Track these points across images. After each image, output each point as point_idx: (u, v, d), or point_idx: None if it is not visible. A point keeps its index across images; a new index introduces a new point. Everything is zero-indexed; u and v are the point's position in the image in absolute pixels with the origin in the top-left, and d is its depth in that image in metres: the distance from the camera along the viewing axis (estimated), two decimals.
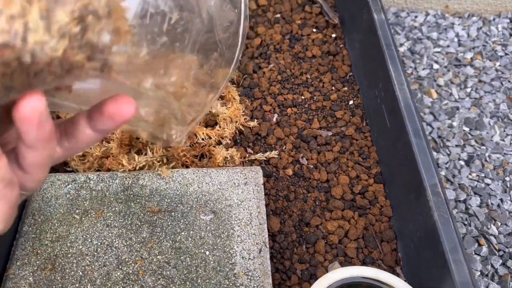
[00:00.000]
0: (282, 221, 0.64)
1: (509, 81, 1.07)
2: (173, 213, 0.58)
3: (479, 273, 0.78)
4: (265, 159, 0.71)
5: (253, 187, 0.61)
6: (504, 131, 0.97)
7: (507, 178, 0.89)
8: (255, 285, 0.52)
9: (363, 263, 0.61)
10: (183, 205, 0.59)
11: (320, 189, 0.69)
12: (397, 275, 0.60)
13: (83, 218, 0.58)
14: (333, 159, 0.72)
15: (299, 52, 0.87)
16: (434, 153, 0.92)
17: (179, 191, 0.60)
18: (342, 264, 0.61)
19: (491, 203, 0.86)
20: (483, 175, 0.90)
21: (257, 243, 0.56)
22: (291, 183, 0.69)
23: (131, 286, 0.52)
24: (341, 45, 0.88)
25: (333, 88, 0.82)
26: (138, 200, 0.59)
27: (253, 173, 0.62)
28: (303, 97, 0.80)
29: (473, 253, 0.81)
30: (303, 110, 0.79)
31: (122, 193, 0.60)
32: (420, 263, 0.57)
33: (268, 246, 0.56)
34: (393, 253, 0.62)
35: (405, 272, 0.60)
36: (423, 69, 1.09)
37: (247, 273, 0.53)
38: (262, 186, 0.62)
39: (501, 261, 0.79)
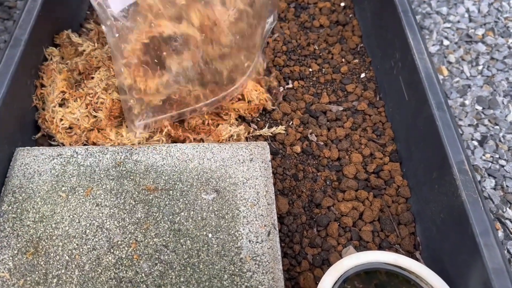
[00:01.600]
0: (290, 202, 0.59)
1: None
2: (171, 192, 0.52)
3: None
4: (271, 134, 0.65)
5: (259, 164, 0.55)
6: None
7: None
8: (263, 271, 0.47)
9: (380, 248, 0.56)
10: (182, 183, 0.53)
11: (331, 167, 0.63)
12: (417, 260, 0.55)
13: (69, 196, 0.52)
14: (345, 136, 0.66)
15: (306, 21, 0.81)
16: None
17: (178, 167, 0.54)
18: (357, 249, 0.55)
19: (506, 186, 0.82)
20: (497, 156, 0.85)
21: (265, 225, 0.50)
22: (299, 161, 0.63)
23: (124, 272, 0.46)
24: (351, 15, 0.82)
25: (343, 60, 0.76)
26: (131, 177, 0.53)
27: (260, 149, 0.56)
28: (310, 70, 0.74)
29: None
30: (311, 83, 0.73)
31: (113, 169, 0.54)
32: (443, 247, 0.52)
33: (277, 228, 0.50)
34: (411, 237, 0.57)
35: (425, 258, 0.55)
36: (433, 45, 1.03)
37: (254, 258, 0.47)
38: (270, 163, 0.56)
39: None
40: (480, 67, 1.00)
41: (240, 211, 0.51)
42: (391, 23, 0.69)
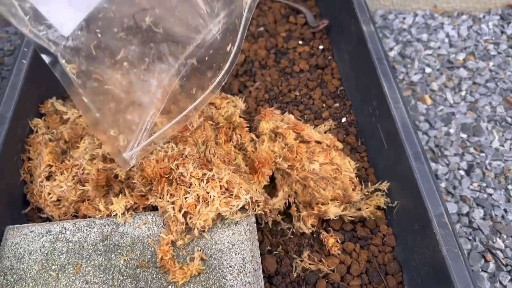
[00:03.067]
0: (278, 261, 0.60)
1: (504, 82, 1.03)
2: (158, 264, 0.53)
3: None
4: None
5: (244, 227, 0.56)
6: (503, 135, 0.93)
7: (510, 187, 0.86)
8: None
9: None
10: None
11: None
12: None
13: (60, 275, 0.53)
14: None
15: (286, 67, 0.82)
16: (433, 164, 0.88)
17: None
18: None
19: (495, 215, 0.82)
20: (484, 184, 0.86)
21: None
22: (285, 215, 0.64)
23: None
24: (330, 57, 0.83)
25: (324, 104, 0.77)
26: (119, 251, 0.54)
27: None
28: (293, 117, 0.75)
29: (480, 270, 0.77)
30: None
31: (101, 244, 0.55)
32: None
33: None
34: (399, 287, 0.58)
35: None
36: (415, 73, 1.05)
37: None
38: (255, 225, 0.57)
39: (509, 277, 0.75)
40: (463, 93, 1.02)
41: (227, 279, 0.52)
42: (367, 69, 0.70)
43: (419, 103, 0.99)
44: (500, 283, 0.76)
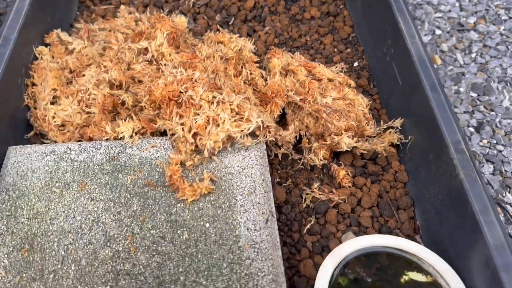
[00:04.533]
0: (287, 192, 0.58)
1: None
2: (166, 183, 0.51)
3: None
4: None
5: (255, 153, 0.54)
6: None
7: None
8: (263, 258, 0.46)
9: (379, 233, 0.55)
10: None
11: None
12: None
13: (64, 192, 0.51)
14: None
15: (296, 14, 0.80)
16: None
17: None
18: (357, 235, 0.55)
19: (505, 170, 0.81)
20: (494, 141, 0.85)
21: (263, 213, 0.49)
22: (296, 151, 0.62)
23: (121, 264, 0.46)
24: (341, 6, 0.82)
25: (335, 49, 0.76)
26: (126, 171, 0.53)
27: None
28: None
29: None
30: None
31: (107, 164, 0.53)
32: (443, 229, 0.52)
33: (275, 215, 0.50)
34: (411, 221, 0.57)
35: (426, 241, 0.55)
36: (425, 35, 1.03)
37: (253, 245, 0.47)
38: (265, 152, 0.55)
39: None
40: (473, 55, 1.00)
41: (237, 200, 0.50)
42: (381, 11, 0.68)
43: None
44: (510, 236, 0.75)
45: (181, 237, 0.47)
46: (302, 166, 0.60)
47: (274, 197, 0.56)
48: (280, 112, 0.60)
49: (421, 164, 0.57)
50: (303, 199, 0.57)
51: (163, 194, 0.51)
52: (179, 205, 0.50)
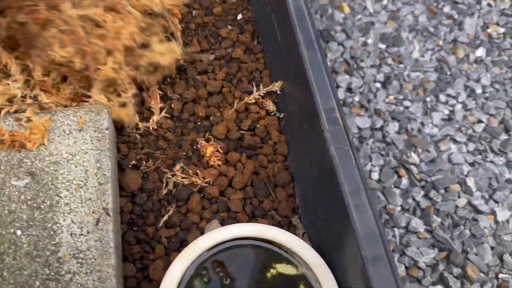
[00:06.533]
0: (145, 176, 0.49)
1: None
2: None
3: (399, 208, 0.68)
4: None
5: (91, 134, 0.44)
6: (424, 45, 0.85)
7: (428, 99, 0.79)
8: (87, 271, 0.37)
9: (252, 217, 0.48)
10: None
11: (199, 129, 0.53)
12: (294, 226, 0.47)
13: None
14: (217, 90, 0.56)
15: None
16: (347, 76, 0.79)
17: None
18: (225, 222, 0.47)
19: (411, 128, 0.76)
20: (401, 97, 0.79)
21: (93, 212, 0.40)
22: (160, 127, 0.52)
23: None
24: None
25: None
26: None
27: (93, 115, 0.45)
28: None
29: (392, 186, 0.71)
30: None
31: None
32: (317, 211, 0.45)
33: (111, 213, 0.40)
34: (289, 200, 0.49)
35: (304, 222, 0.48)
36: None
37: (76, 255, 0.37)
38: (107, 131, 0.45)
39: (422, 192, 0.70)
40: (384, 2, 0.92)
41: (61, 197, 0.40)
42: None
43: (336, 11, 0.89)
44: (413, 198, 0.70)
45: None
46: (167, 145, 0.51)
47: (124, 185, 0.46)
48: None
49: (298, 133, 0.49)
50: (164, 184, 0.48)
51: None
52: None
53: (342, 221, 0.39)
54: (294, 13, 0.49)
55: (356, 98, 0.77)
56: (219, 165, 0.49)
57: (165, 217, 0.46)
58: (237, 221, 0.47)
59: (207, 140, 0.51)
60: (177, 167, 0.48)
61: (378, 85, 0.80)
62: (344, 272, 0.40)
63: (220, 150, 0.50)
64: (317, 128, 0.43)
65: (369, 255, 0.36)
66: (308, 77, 0.45)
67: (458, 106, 0.79)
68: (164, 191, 0.48)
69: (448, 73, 0.83)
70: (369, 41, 0.85)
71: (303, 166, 0.48)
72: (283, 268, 0.42)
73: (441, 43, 0.87)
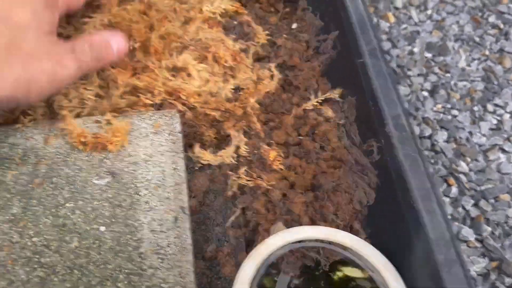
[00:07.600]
0: (212, 178, 0.50)
1: (472, 0, 0.95)
2: (54, 179, 0.43)
3: (449, 217, 0.68)
4: None
5: (166, 136, 0.46)
6: (470, 55, 0.86)
7: (475, 108, 0.79)
8: (169, 266, 0.39)
9: (313, 221, 0.49)
10: (69, 167, 0.43)
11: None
12: (356, 231, 0.48)
13: None
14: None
15: None
16: None
17: (63, 148, 0.44)
18: (288, 224, 0.48)
19: (459, 137, 0.76)
20: (449, 106, 0.79)
21: (172, 210, 0.42)
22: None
23: None
24: None
25: (272, 9, 0.66)
26: (6, 164, 0.44)
27: (167, 119, 0.47)
28: None
29: (442, 195, 0.71)
30: None
31: None
32: (381, 216, 0.45)
33: (187, 211, 0.42)
34: (350, 204, 0.50)
35: (366, 227, 0.49)
36: None
37: (158, 251, 0.39)
38: (180, 135, 0.47)
39: (472, 201, 0.70)
40: (429, 11, 0.93)
41: (140, 195, 0.42)
42: None
43: (382, 21, 0.90)
44: (463, 207, 0.70)
45: (70, 245, 0.39)
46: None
47: (194, 187, 0.48)
48: None
49: (358, 141, 0.50)
50: (229, 186, 0.50)
51: (49, 192, 0.42)
52: (68, 205, 0.41)
53: (413, 226, 0.40)
54: (356, 22, 0.51)
55: (405, 106, 0.78)
56: (281, 169, 0.51)
57: (232, 218, 0.47)
58: (300, 224, 0.48)
59: (269, 145, 0.52)
60: (242, 170, 0.50)
61: (426, 93, 0.80)
62: (412, 276, 0.40)
63: (282, 155, 0.51)
64: (383, 134, 0.44)
65: (442, 258, 0.37)
66: (373, 84, 0.46)
67: (506, 116, 0.79)
68: (229, 193, 0.49)
69: (495, 82, 0.82)
70: (415, 50, 0.86)
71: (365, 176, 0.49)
72: (350, 271, 0.43)
73: (487, 52, 0.87)
